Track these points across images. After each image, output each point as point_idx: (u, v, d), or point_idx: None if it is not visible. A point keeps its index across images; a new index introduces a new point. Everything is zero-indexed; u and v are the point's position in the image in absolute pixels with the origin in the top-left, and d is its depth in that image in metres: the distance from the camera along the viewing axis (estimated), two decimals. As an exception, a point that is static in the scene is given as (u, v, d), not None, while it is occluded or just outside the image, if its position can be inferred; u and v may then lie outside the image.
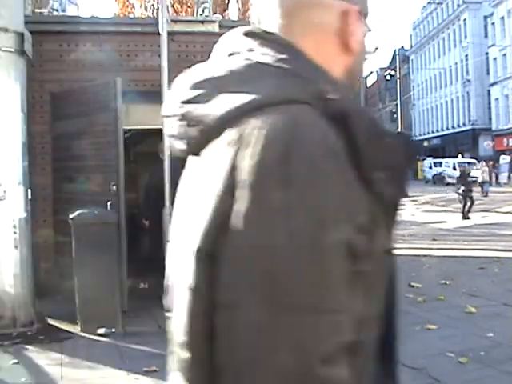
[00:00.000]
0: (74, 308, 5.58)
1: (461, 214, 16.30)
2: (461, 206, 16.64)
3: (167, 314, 0.89)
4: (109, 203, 6.09)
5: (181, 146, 0.88)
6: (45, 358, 4.77)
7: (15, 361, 4.70)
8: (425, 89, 56.30)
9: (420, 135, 57.21)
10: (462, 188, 16.67)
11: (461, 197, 16.69)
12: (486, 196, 25.71)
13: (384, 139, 0.84)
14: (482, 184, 26.70)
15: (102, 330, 5.44)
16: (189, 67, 0.90)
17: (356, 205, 0.78)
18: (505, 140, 40.84)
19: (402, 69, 35.96)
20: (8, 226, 5.52)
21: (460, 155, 40.99)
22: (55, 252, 7.03)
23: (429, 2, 51.03)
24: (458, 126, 48.49)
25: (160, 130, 6.58)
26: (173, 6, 17.79)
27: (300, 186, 0.75)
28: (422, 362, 4.41)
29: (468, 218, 16.09)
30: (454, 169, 38.21)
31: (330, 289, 0.75)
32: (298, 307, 0.75)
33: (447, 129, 50.78)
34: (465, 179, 17.14)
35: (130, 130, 8.56)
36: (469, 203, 16.34)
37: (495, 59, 43.32)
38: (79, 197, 6.66)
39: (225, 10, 20.85)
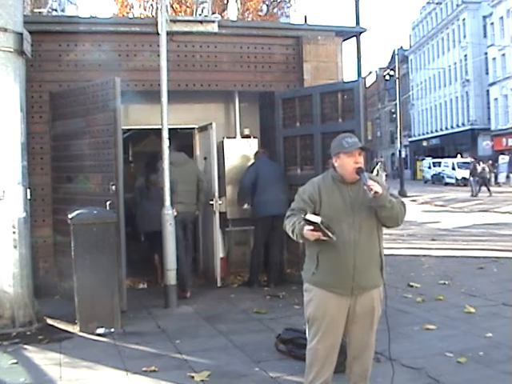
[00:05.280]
0: (73, 308, 5.58)
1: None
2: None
3: None
4: (108, 203, 6.09)
5: None
6: (44, 358, 4.76)
7: (14, 361, 4.69)
8: (424, 89, 56.23)
9: (419, 135, 57.18)
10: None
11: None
12: None
13: None
14: None
15: (100, 330, 5.44)
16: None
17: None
18: (504, 140, 40.75)
19: (401, 69, 35.79)
20: (7, 225, 5.51)
21: (459, 155, 40.95)
22: (54, 252, 7.03)
23: (428, 2, 50.81)
24: (457, 125, 48.40)
25: (158, 130, 6.60)
26: (172, 6, 17.77)
27: None
28: (421, 362, 4.41)
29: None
30: (453, 169, 38.26)
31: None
32: None
33: (446, 129, 50.68)
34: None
35: (128, 129, 8.56)
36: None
37: (494, 59, 43.25)
38: (78, 197, 6.66)
39: (224, 10, 20.84)
